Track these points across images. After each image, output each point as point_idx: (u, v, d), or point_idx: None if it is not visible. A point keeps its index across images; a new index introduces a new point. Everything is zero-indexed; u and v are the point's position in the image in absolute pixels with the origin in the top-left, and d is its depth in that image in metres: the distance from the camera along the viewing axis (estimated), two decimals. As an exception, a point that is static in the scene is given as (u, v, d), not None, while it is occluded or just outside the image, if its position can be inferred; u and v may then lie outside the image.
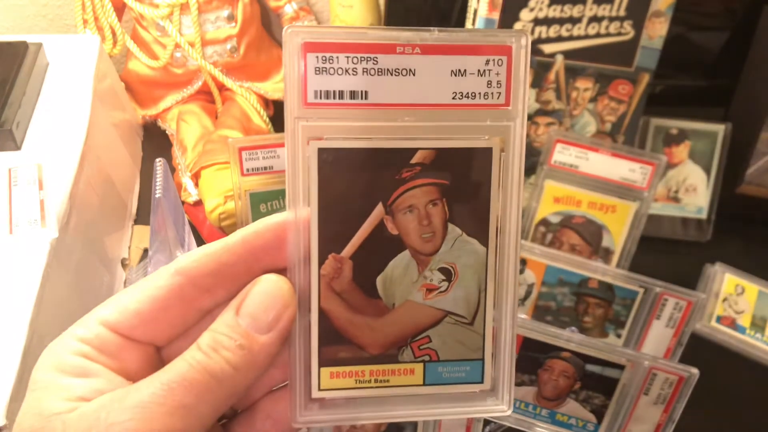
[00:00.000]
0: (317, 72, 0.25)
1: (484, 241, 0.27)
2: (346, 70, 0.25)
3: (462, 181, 0.27)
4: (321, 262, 0.26)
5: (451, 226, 0.27)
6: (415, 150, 0.26)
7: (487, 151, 0.27)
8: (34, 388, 0.23)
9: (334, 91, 0.25)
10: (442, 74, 0.26)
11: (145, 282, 0.25)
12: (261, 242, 0.25)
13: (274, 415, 0.27)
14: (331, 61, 0.25)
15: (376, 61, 0.25)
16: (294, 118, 0.25)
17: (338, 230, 0.26)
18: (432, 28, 0.26)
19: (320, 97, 0.25)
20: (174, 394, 0.22)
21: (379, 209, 0.26)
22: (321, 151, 0.25)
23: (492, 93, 0.26)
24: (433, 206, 0.27)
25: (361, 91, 0.25)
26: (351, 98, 0.25)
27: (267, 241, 0.25)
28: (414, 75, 0.26)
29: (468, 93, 0.26)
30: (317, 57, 0.25)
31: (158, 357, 0.26)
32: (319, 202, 0.26)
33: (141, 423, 0.21)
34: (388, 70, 0.25)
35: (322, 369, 0.26)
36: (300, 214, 0.25)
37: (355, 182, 0.26)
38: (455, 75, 0.26)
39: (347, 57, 0.25)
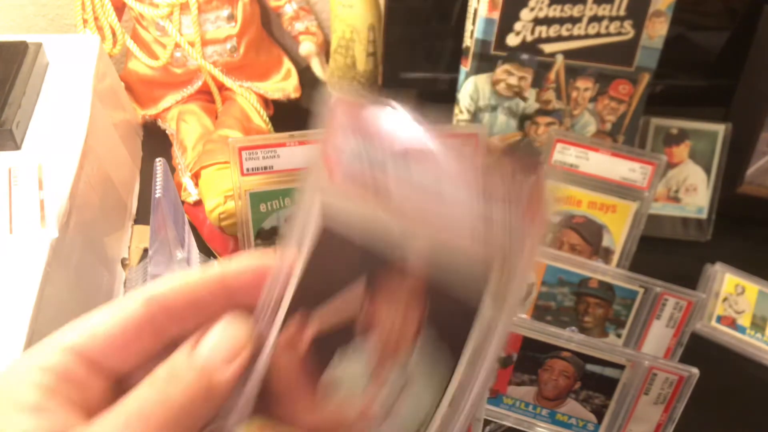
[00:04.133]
0: (352, 155, 0.24)
1: (458, 352, 0.25)
2: (383, 164, 0.24)
3: (451, 285, 0.25)
4: (289, 314, 0.25)
5: (426, 327, 0.25)
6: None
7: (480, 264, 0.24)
8: None
9: (363, 180, 0.24)
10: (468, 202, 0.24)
11: (114, 307, 0.24)
12: (239, 282, 0.25)
13: None
14: (369, 148, 0.24)
15: (409, 169, 0.24)
16: (317, 189, 0.25)
17: (317, 290, 0.25)
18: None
19: (348, 181, 0.24)
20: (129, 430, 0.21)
21: (360, 289, 0.25)
22: (326, 206, 0.25)
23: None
24: (415, 303, 0.25)
25: (385, 189, 0.24)
26: (374, 192, 0.24)
27: (246, 282, 0.25)
28: (441, 197, 0.24)
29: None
30: (356, 139, 0.24)
31: (119, 386, 0.25)
32: (309, 257, 0.25)
33: None
34: (420, 184, 0.24)
35: (255, 417, 0.25)
36: (286, 258, 0.25)
37: (349, 252, 0.25)
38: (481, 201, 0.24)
39: (386, 151, 0.24)
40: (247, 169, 0.55)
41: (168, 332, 0.24)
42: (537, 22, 0.60)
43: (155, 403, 0.22)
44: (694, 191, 0.70)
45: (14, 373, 0.22)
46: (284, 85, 0.79)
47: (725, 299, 0.64)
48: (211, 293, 0.24)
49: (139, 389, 0.22)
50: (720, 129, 0.70)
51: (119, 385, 0.25)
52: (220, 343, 0.24)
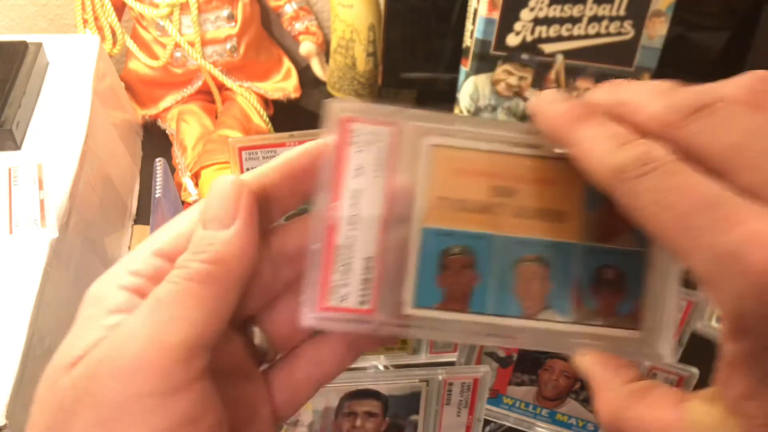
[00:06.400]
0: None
1: None
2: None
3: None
4: None
5: None
6: None
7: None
8: (76, 324, 0.23)
9: None
10: None
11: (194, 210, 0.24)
12: (299, 165, 0.25)
13: (316, 359, 0.26)
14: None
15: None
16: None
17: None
18: None
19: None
20: (159, 312, 0.21)
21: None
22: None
23: None
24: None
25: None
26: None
27: (305, 164, 0.25)
28: None
29: None
30: None
31: None
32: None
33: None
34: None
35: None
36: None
37: None
38: None
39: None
40: (247, 169, 0.55)
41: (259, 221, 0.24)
42: (537, 22, 0.60)
43: (179, 284, 0.22)
44: (694, 191, 0.70)
45: (106, 279, 0.23)
46: (284, 85, 0.79)
47: (725, 299, 0.64)
48: (278, 175, 0.25)
49: (165, 278, 0.22)
50: (720, 129, 0.70)
51: None
52: (216, 205, 0.23)
